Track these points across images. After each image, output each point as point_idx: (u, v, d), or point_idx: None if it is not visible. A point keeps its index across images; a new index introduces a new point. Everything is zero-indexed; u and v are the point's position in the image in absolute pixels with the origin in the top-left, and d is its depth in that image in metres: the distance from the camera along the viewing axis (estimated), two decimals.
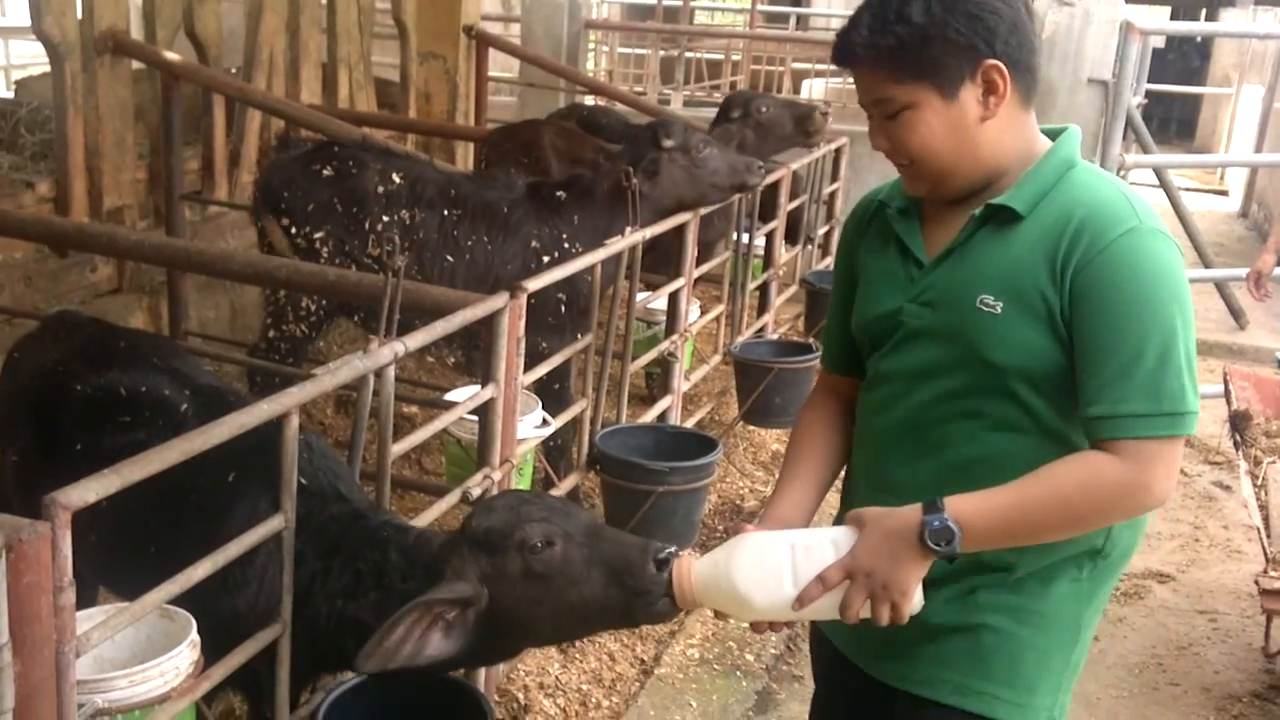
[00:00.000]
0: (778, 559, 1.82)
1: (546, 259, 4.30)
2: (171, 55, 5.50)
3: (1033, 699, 1.94)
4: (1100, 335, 1.76)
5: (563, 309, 4.11)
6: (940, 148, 1.86)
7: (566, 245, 4.35)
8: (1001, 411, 1.85)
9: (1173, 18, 15.90)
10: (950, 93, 1.82)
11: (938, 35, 1.79)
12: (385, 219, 4.27)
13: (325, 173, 4.33)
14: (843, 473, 2.18)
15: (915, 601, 1.79)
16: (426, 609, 2.10)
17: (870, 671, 2.05)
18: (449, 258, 4.34)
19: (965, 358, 1.86)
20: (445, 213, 4.37)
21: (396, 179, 4.36)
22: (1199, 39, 17.83)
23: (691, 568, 1.92)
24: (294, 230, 4.25)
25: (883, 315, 1.99)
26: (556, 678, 3.62)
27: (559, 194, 4.48)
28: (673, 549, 2.03)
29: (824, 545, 1.82)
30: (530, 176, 4.77)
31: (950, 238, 1.92)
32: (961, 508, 1.75)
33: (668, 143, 4.43)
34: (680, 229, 4.58)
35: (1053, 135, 1.95)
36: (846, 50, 1.87)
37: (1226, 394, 4.02)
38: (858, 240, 2.11)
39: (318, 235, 4.24)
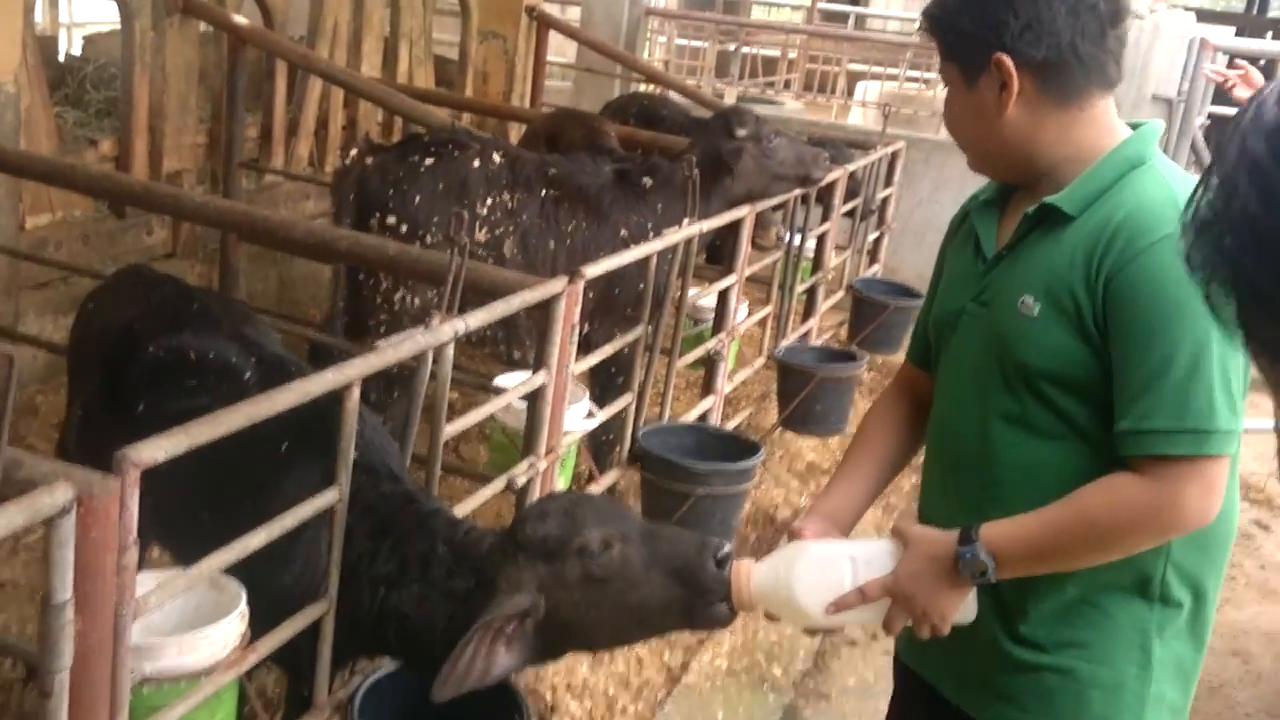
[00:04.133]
0: (838, 571, 1.85)
1: (634, 247, 4.24)
2: (240, 19, 5.52)
3: None
4: (1130, 346, 1.71)
5: (641, 300, 4.05)
6: (966, 131, 1.92)
7: (652, 235, 4.24)
8: (1039, 416, 1.82)
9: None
10: (970, 80, 1.85)
11: (953, 24, 1.84)
12: (490, 201, 4.15)
13: (427, 162, 4.18)
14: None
15: (964, 612, 1.82)
16: (489, 628, 2.08)
17: (946, 695, 2.03)
18: (551, 243, 4.24)
19: (1003, 359, 1.84)
20: (544, 194, 4.27)
21: (497, 159, 4.25)
22: (1263, 62, 17.57)
23: (750, 572, 1.93)
24: (404, 228, 4.08)
25: (951, 312, 1.99)
26: (584, 680, 3.59)
27: (645, 180, 4.40)
28: (730, 547, 2.03)
29: (884, 559, 1.85)
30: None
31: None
32: (994, 535, 1.75)
33: (741, 132, 4.39)
34: (735, 224, 4.55)
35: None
36: (924, 15, 1.91)
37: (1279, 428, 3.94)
38: (950, 237, 2.11)
39: (429, 228, 4.10)
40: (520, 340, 4.26)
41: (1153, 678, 1.88)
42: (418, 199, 4.12)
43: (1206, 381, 1.67)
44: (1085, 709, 1.88)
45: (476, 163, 4.21)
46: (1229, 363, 1.69)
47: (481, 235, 4.12)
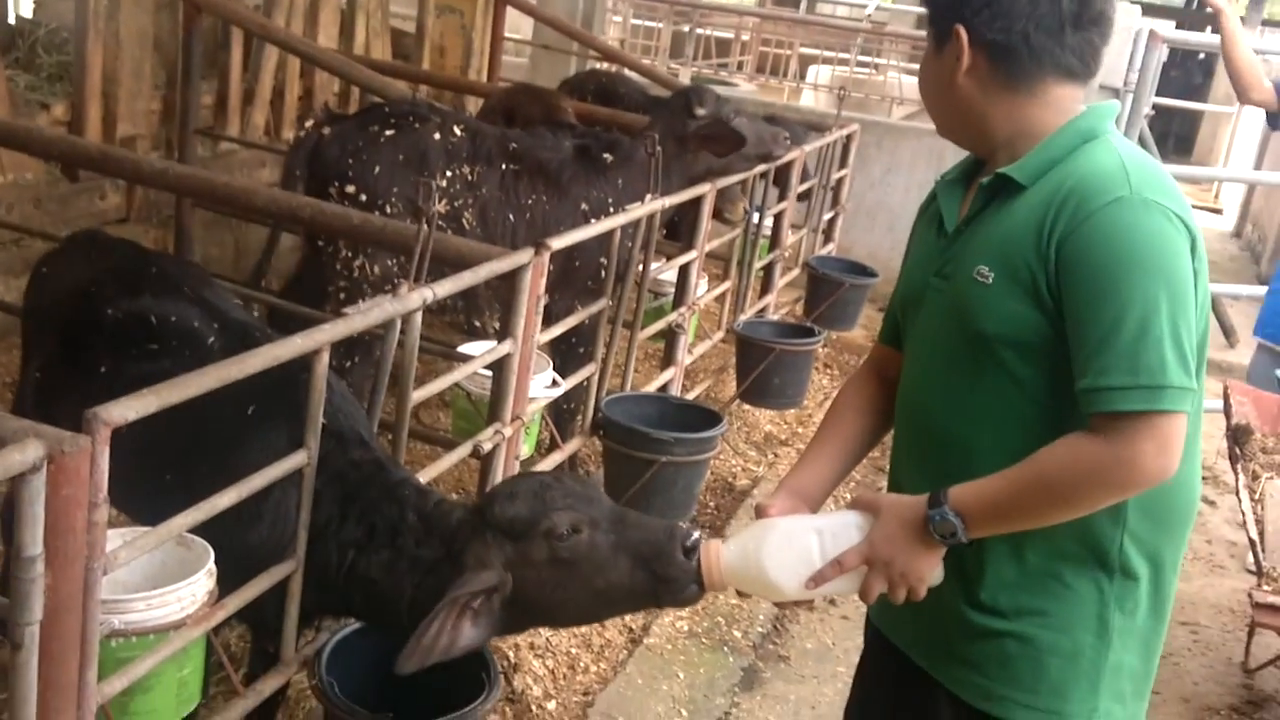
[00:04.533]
0: (806, 545, 1.88)
1: (594, 222, 4.25)
2: None
3: (1064, 705, 1.91)
4: (1081, 307, 1.73)
5: (602, 273, 4.07)
6: (929, 94, 2.00)
7: (612, 210, 4.28)
8: (1001, 385, 1.85)
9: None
10: (939, 46, 1.93)
11: None
12: (450, 174, 4.15)
13: (386, 133, 4.16)
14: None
15: (935, 575, 1.86)
16: (455, 603, 2.10)
17: (912, 657, 2.06)
18: (510, 216, 4.26)
19: (962, 328, 1.87)
20: (504, 168, 4.28)
21: (458, 132, 4.25)
22: (1201, 56, 17.88)
23: (719, 553, 1.97)
24: (363, 197, 4.06)
25: (916, 289, 2.03)
26: (547, 640, 3.63)
27: (605, 156, 4.42)
28: (698, 534, 2.06)
29: (849, 530, 1.88)
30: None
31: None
32: (962, 496, 1.79)
33: (701, 111, 4.42)
34: (696, 201, 4.58)
35: None
36: None
37: (1226, 409, 4.06)
38: (920, 216, 2.14)
39: (388, 198, 4.09)
40: (479, 309, 4.27)
41: (1111, 646, 1.91)
42: (377, 169, 4.11)
43: (1157, 338, 1.69)
44: (1042, 675, 1.91)
45: (437, 135, 4.20)
46: (1180, 323, 1.71)
47: (440, 207, 4.10)
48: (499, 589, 2.14)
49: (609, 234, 3.81)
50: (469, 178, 4.21)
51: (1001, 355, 1.83)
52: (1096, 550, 1.87)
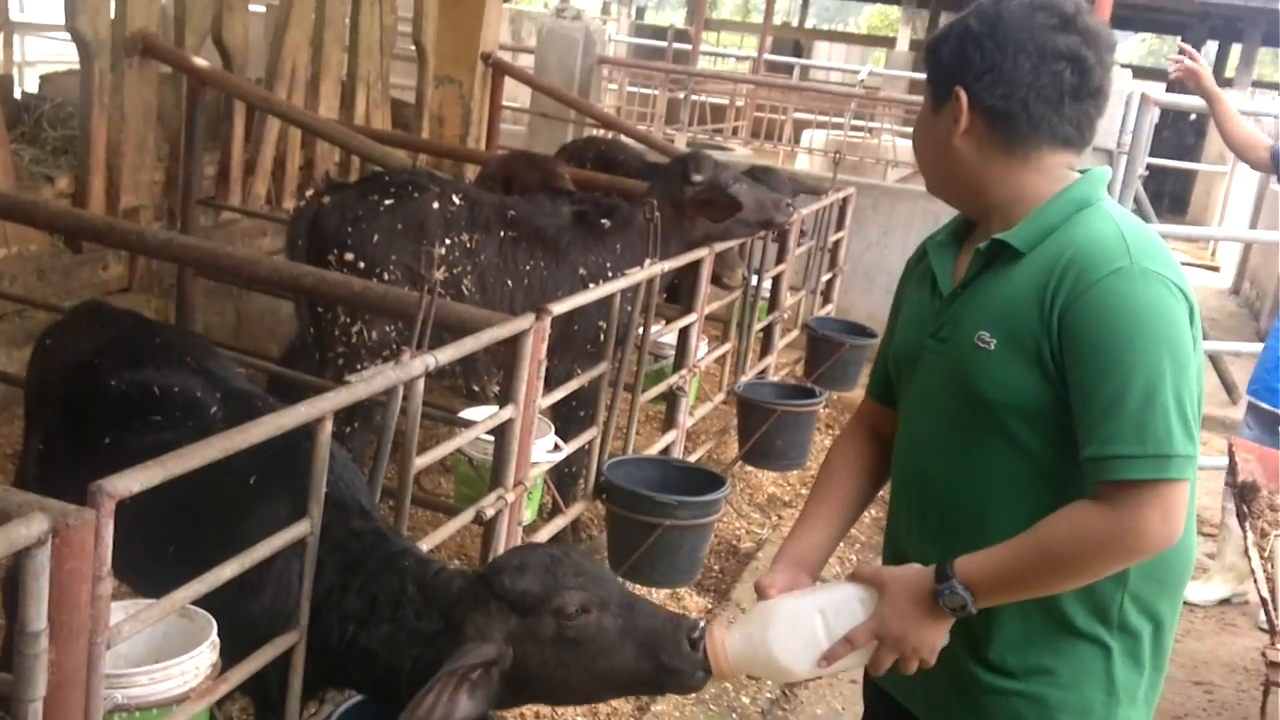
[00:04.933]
0: (811, 626, 1.89)
1: (593, 286, 4.25)
2: (200, 61, 5.52)
3: None
4: (1086, 376, 1.75)
5: (601, 337, 4.08)
6: (924, 152, 2.02)
7: (610, 275, 4.30)
8: (1001, 448, 1.86)
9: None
10: (937, 105, 1.95)
11: (935, 49, 1.94)
12: (449, 241, 4.18)
13: (385, 202, 4.20)
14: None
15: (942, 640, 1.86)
16: (453, 674, 2.08)
17: (919, 716, 2.06)
18: (509, 282, 4.28)
19: (963, 393, 1.88)
20: (502, 235, 4.31)
21: (456, 200, 4.29)
22: (1193, 116, 18.10)
23: (725, 641, 1.97)
24: (361, 265, 4.10)
25: (910, 348, 2.04)
26: (553, 710, 3.58)
27: (603, 222, 4.46)
28: (703, 625, 2.06)
29: (852, 606, 1.89)
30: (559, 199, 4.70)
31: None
32: (969, 569, 1.80)
33: (697, 177, 4.46)
34: (695, 264, 4.61)
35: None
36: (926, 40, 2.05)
37: (1231, 466, 4.05)
38: (908, 276, 2.16)
39: (387, 266, 4.12)
40: (478, 374, 4.28)
41: (1120, 702, 1.92)
42: (376, 237, 4.15)
43: (1163, 407, 1.71)
44: None
45: (435, 204, 4.25)
46: (1183, 391, 1.73)
47: (439, 274, 4.12)
48: (498, 662, 2.13)
49: (608, 298, 3.83)
50: (467, 245, 4.25)
51: (1005, 420, 1.84)
52: (1099, 610, 1.88)
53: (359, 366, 4.00)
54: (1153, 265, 1.77)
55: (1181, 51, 5.31)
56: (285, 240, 4.40)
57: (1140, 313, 1.74)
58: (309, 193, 4.31)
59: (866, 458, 2.18)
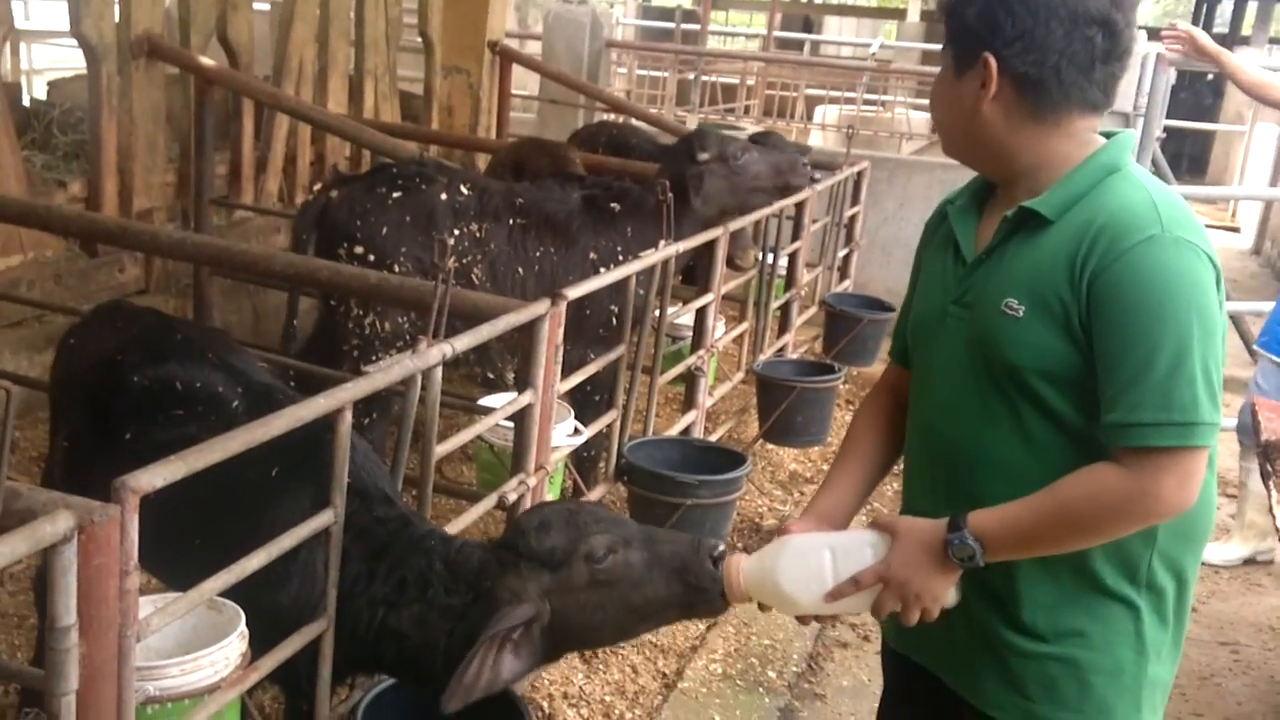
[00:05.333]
0: (819, 561, 1.94)
1: (604, 270, 4.24)
2: (206, 60, 5.54)
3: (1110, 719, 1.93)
4: (1114, 343, 1.76)
5: (614, 321, 4.09)
6: (944, 116, 1.98)
7: (621, 258, 4.31)
8: (1024, 412, 1.87)
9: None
10: (960, 69, 1.91)
11: (958, 11, 1.89)
12: (458, 231, 4.19)
13: (394, 195, 4.22)
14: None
15: (949, 597, 1.90)
16: (495, 639, 2.14)
17: (943, 678, 2.07)
18: (519, 269, 4.30)
19: (988, 359, 1.89)
20: (511, 223, 4.32)
21: (464, 190, 4.30)
22: (1210, 76, 17.94)
23: (740, 566, 2.04)
24: (371, 257, 4.12)
25: (931, 314, 2.04)
26: (580, 688, 3.61)
27: (613, 206, 4.46)
28: (722, 546, 2.13)
29: (862, 549, 1.94)
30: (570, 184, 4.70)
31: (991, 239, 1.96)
32: (982, 522, 1.82)
33: (703, 155, 4.45)
34: (710, 244, 4.60)
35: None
36: None
37: (1255, 426, 4.02)
38: (928, 239, 2.15)
39: (396, 258, 4.14)
40: (493, 361, 4.30)
41: (1149, 660, 1.93)
42: (385, 229, 4.17)
43: (1189, 376, 1.72)
44: (1088, 695, 1.92)
45: (443, 194, 4.27)
46: (1210, 359, 1.75)
47: (449, 264, 4.15)
48: (538, 619, 2.19)
49: (620, 282, 3.83)
50: (477, 234, 4.26)
51: (1033, 386, 1.85)
52: (1128, 569, 1.90)
53: (374, 358, 4.02)
54: (1184, 233, 1.78)
55: (1165, 35, 5.27)
56: (290, 235, 4.43)
57: (1171, 281, 1.74)
58: (317, 186, 4.33)
59: (889, 420, 2.20)
